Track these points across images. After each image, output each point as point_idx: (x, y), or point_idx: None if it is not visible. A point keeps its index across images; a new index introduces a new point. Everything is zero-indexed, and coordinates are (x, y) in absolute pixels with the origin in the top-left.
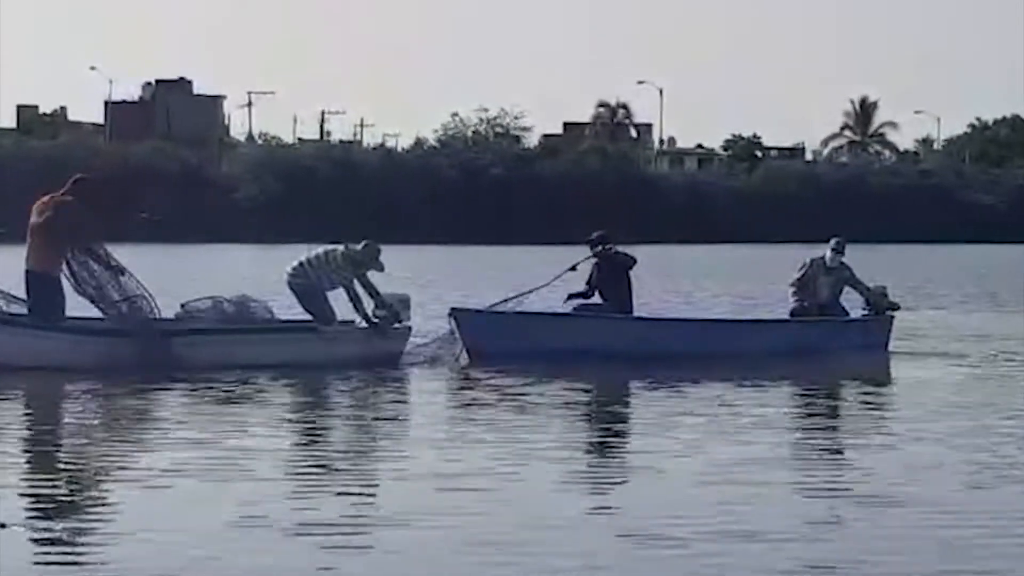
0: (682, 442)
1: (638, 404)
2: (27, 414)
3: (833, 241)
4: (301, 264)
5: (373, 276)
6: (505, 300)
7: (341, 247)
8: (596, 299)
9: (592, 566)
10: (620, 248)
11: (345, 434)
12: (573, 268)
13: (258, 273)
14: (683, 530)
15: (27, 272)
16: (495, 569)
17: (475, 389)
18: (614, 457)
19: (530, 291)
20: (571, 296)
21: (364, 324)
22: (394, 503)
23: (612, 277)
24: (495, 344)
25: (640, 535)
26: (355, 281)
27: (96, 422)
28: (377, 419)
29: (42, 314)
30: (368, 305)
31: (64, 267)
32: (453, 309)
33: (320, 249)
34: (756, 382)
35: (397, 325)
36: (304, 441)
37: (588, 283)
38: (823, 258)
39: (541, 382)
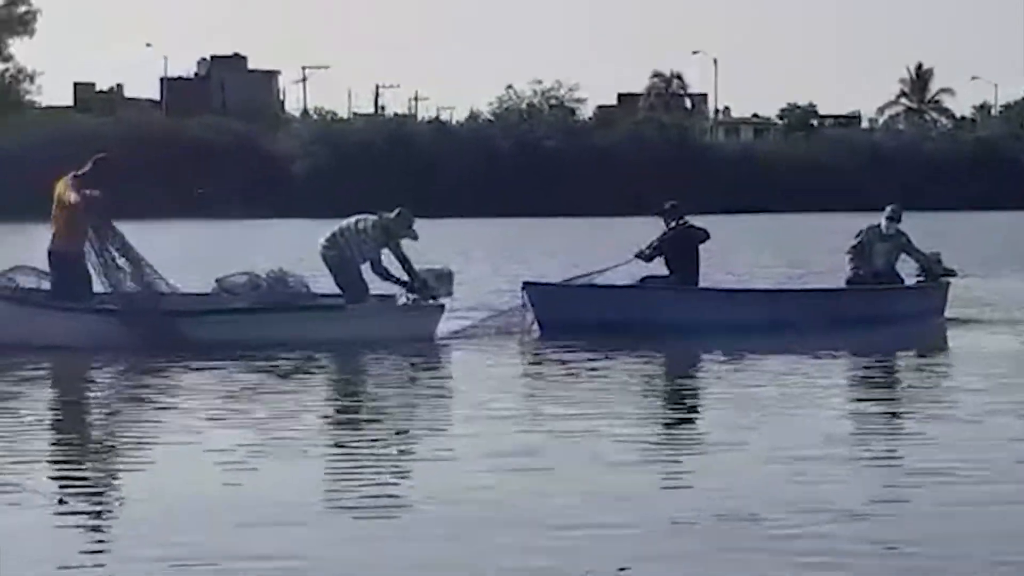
0: (750, 415)
1: (706, 377)
2: (58, 395)
3: (888, 209)
4: (333, 235)
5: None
6: (582, 275)
7: (374, 216)
8: (653, 268)
9: (656, 542)
10: (691, 224)
11: (395, 412)
12: (650, 254)
13: (310, 247)
14: (752, 504)
15: (49, 252)
16: (553, 548)
17: (541, 363)
18: (681, 431)
19: (606, 268)
20: (646, 277)
21: (403, 297)
22: (447, 480)
23: (683, 249)
24: (567, 317)
25: (707, 510)
26: (386, 251)
27: (122, 402)
28: (435, 394)
29: (64, 294)
30: (400, 277)
31: (88, 246)
32: (526, 283)
33: (353, 218)
34: (817, 353)
35: (432, 300)
36: (355, 419)
37: (649, 250)
38: (879, 226)
39: (608, 356)
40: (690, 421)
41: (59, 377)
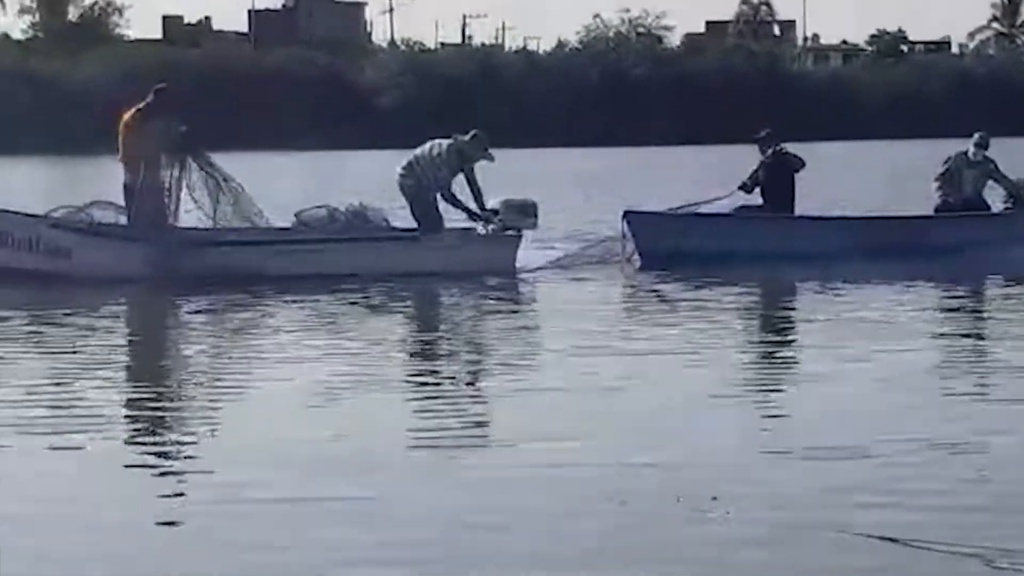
0: (846, 346)
1: (801, 307)
2: (137, 330)
3: (976, 136)
4: (410, 163)
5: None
6: (684, 206)
7: (448, 140)
8: (753, 199)
9: (748, 472)
10: (787, 151)
11: (477, 345)
12: (751, 185)
13: (393, 179)
14: (847, 436)
15: (124, 186)
16: (643, 475)
17: (635, 293)
18: (776, 363)
19: (709, 200)
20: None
21: (481, 228)
22: (530, 418)
23: (778, 178)
24: (668, 247)
25: (801, 441)
26: (456, 178)
27: (205, 337)
28: (520, 326)
29: (138, 227)
30: (469, 207)
31: (170, 175)
32: (626, 212)
33: (427, 145)
34: (910, 281)
35: (509, 231)
36: (436, 353)
37: (750, 182)
38: (966, 153)
39: (704, 286)
40: (786, 353)
41: (139, 312)
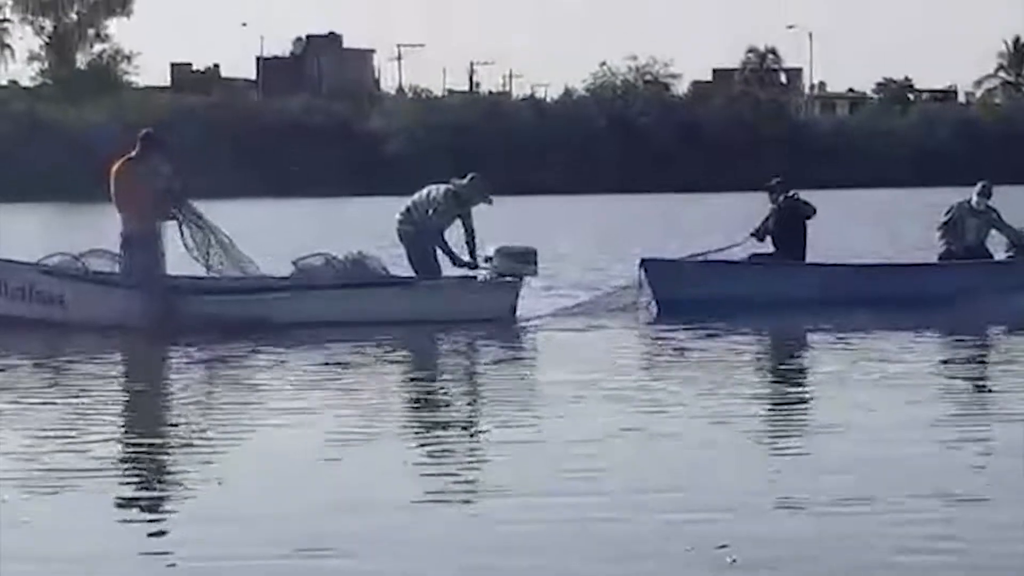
0: (857, 394)
1: (812, 355)
2: (136, 378)
3: (979, 184)
4: (408, 209)
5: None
6: (699, 254)
7: (445, 185)
8: (764, 247)
9: (761, 522)
10: (799, 195)
11: (477, 394)
12: (763, 232)
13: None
14: (864, 486)
15: (120, 235)
16: (653, 525)
17: (644, 340)
18: (789, 412)
19: (722, 248)
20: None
21: (481, 274)
22: (537, 464)
23: (789, 225)
24: (685, 294)
25: (817, 492)
26: (454, 223)
27: (204, 385)
28: (523, 374)
29: (131, 275)
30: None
31: (176, 227)
32: (643, 260)
33: (425, 190)
34: (916, 328)
35: (509, 278)
36: (434, 402)
37: (762, 229)
38: (969, 201)
39: (718, 334)
40: (798, 401)
41: (133, 360)
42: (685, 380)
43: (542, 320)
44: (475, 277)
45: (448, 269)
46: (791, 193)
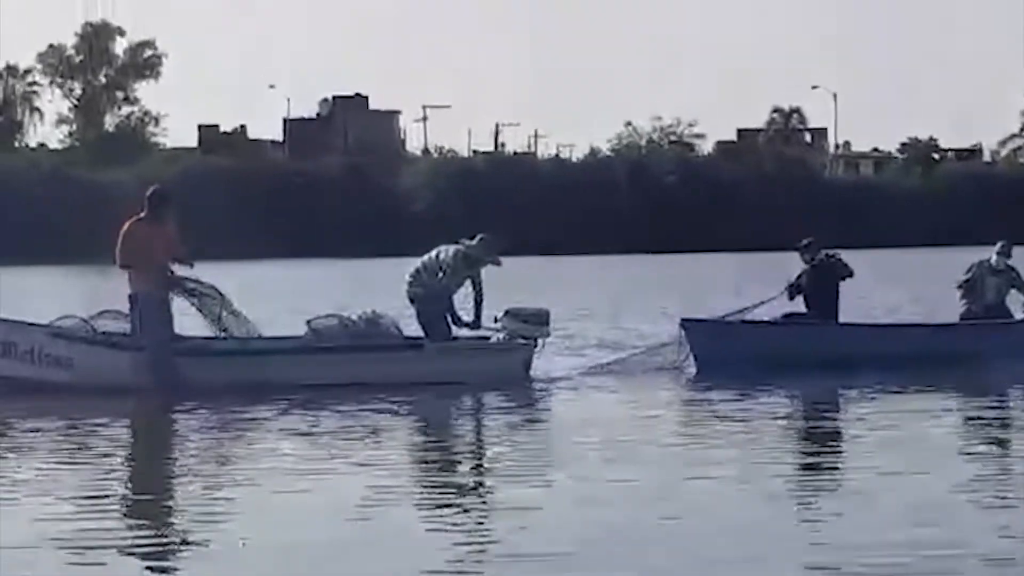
0: (890, 457)
1: (847, 416)
2: (143, 439)
3: (999, 244)
4: (417, 270)
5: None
6: (735, 312)
7: (454, 246)
8: (796, 305)
9: None
10: (839, 255)
11: (491, 456)
12: (794, 291)
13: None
14: (894, 551)
15: (129, 296)
16: None
17: (678, 402)
18: (821, 474)
19: (757, 304)
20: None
21: (494, 336)
22: (549, 526)
23: (823, 285)
24: (725, 354)
25: (849, 555)
26: (465, 284)
27: (211, 448)
28: (537, 437)
29: (135, 334)
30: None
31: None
32: (683, 320)
33: (434, 251)
34: (946, 388)
35: (522, 340)
36: (447, 465)
37: (794, 288)
38: (989, 260)
39: (753, 395)
40: (831, 463)
41: (141, 420)
42: (716, 442)
43: (574, 378)
44: (488, 338)
45: (459, 330)
46: (831, 253)
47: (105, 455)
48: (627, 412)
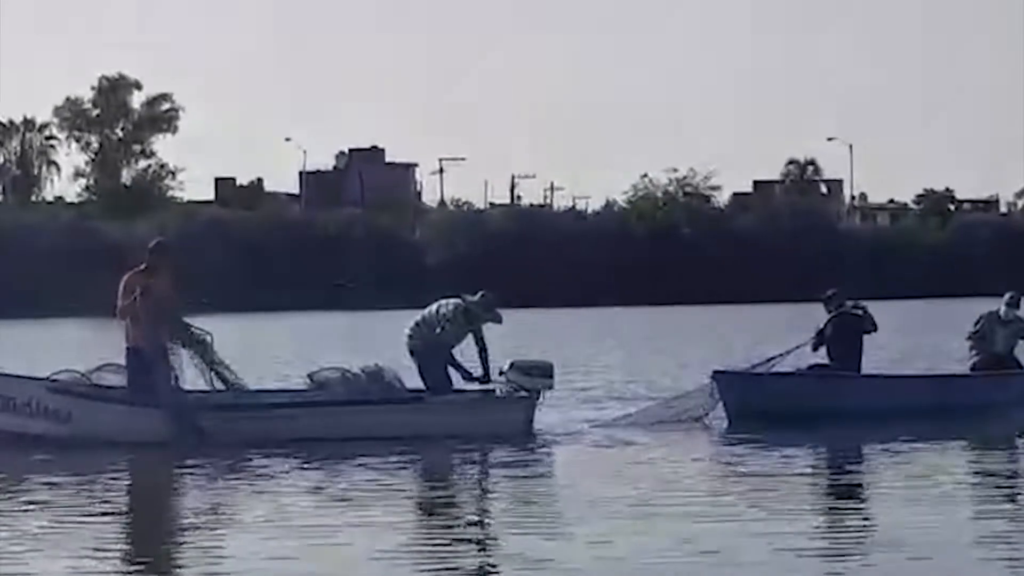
0: (923, 513)
1: (869, 469)
2: (137, 496)
3: (1007, 295)
4: (417, 323)
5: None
6: (762, 362)
7: (455, 300)
8: (819, 356)
9: None
10: (866, 310)
11: (493, 513)
12: (818, 342)
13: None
14: None
15: (127, 349)
16: None
17: (699, 458)
18: (845, 530)
19: (784, 353)
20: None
21: (498, 389)
22: None
23: (843, 336)
24: (757, 406)
25: None
26: (467, 338)
27: (204, 503)
28: (547, 492)
29: (138, 390)
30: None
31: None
32: (715, 372)
33: (435, 304)
34: (970, 438)
35: (524, 393)
36: (451, 522)
37: (818, 339)
38: (998, 311)
39: (789, 447)
40: (853, 519)
41: (136, 477)
42: (737, 497)
43: (581, 431)
44: (492, 391)
45: (460, 383)
46: (857, 305)
47: (103, 512)
48: (641, 467)
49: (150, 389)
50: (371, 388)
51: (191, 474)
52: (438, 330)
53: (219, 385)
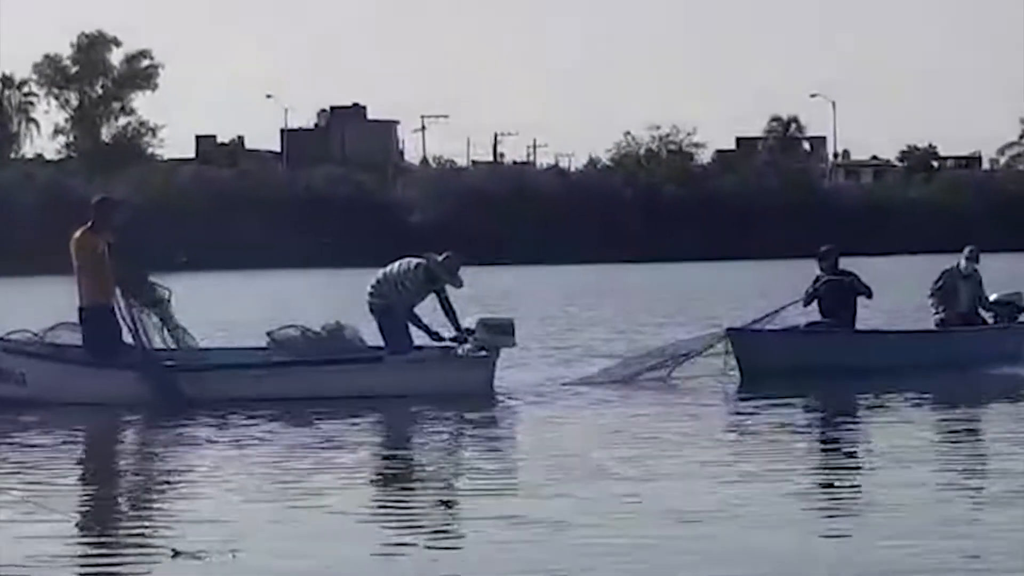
0: (900, 467)
1: (867, 425)
2: (91, 456)
3: (967, 249)
4: (378, 281)
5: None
6: (762, 317)
7: (418, 259)
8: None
9: None
10: (857, 276)
11: (451, 472)
12: (811, 298)
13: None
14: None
15: (79, 309)
16: None
17: (700, 415)
18: (829, 487)
19: (777, 310)
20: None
21: (459, 348)
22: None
23: (842, 296)
24: (770, 363)
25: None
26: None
27: (163, 462)
28: (520, 450)
29: (94, 350)
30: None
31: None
32: (729, 329)
33: (397, 263)
34: (948, 394)
35: (484, 352)
36: (404, 480)
37: (811, 295)
38: (958, 266)
39: (801, 402)
40: (840, 475)
41: (93, 437)
42: (741, 454)
43: (543, 390)
44: (452, 350)
45: (422, 341)
46: (849, 271)
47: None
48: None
49: (109, 349)
50: (331, 346)
51: (143, 434)
52: (399, 288)
53: (172, 344)
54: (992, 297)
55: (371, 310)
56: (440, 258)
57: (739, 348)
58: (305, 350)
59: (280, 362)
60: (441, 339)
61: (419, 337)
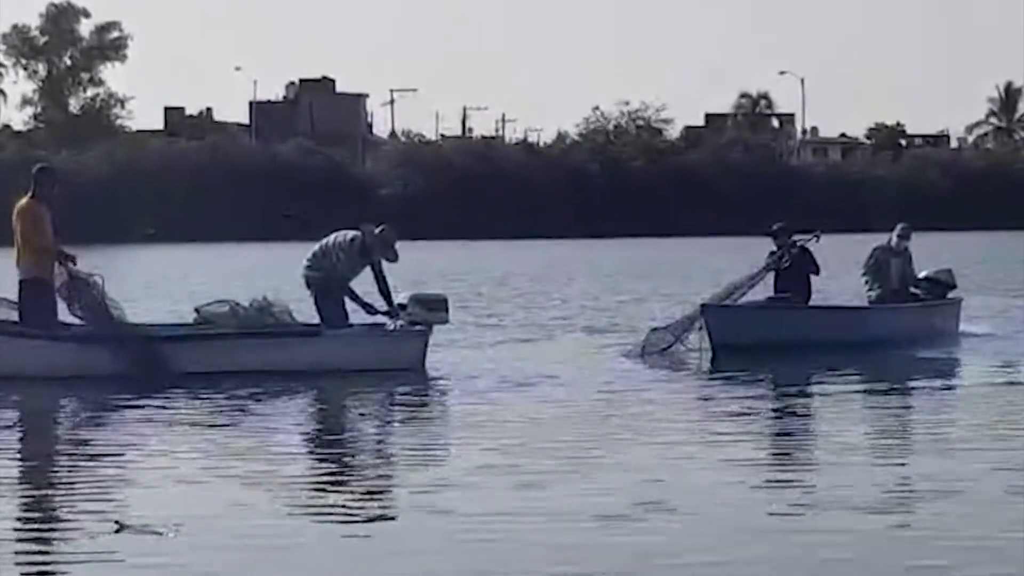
0: (884, 449)
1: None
2: (31, 430)
3: (899, 227)
4: (314, 254)
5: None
6: (732, 292)
7: (353, 232)
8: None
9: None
10: (807, 248)
11: (376, 441)
12: (776, 267)
13: (399, 269)
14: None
15: (22, 281)
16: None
17: (651, 395)
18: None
19: (746, 284)
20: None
21: (391, 324)
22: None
23: (796, 272)
24: (743, 339)
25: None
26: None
27: (99, 434)
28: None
29: (31, 322)
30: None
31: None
32: (703, 305)
33: (333, 236)
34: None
35: (417, 326)
36: (333, 449)
37: (771, 267)
38: (889, 243)
39: (764, 380)
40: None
41: (30, 410)
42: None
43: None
44: (383, 325)
45: (357, 317)
46: (804, 246)
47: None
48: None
49: (46, 324)
50: (259, 321)
51: (78, 402)
52: (334, 261)
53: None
54: (921, 274)
55: (307, 284)
56: (376, 231)
57: (712, 323)
58: (233, 326)
59: (217, 334)
60: (376, 312)
61: (354, 312)
